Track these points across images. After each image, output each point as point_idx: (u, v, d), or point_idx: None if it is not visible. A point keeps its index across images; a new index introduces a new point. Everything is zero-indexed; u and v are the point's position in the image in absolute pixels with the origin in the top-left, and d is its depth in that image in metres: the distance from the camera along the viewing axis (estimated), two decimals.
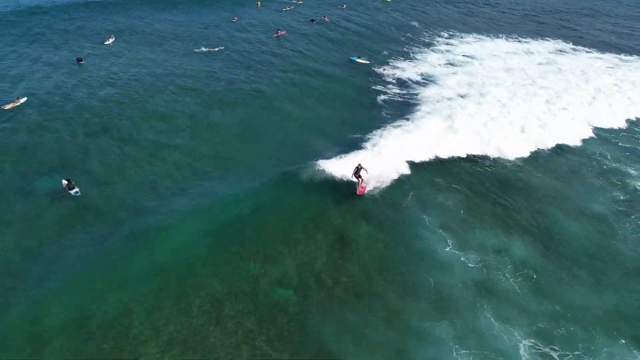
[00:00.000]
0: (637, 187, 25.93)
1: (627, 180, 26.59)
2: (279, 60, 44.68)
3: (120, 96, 34.45)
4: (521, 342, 16.56)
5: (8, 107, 30.63)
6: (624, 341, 16.81)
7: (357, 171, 23.63)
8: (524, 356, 16.06)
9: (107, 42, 47.97)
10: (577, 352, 16.38)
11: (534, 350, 16.32)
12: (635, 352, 16.47)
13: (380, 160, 25.83)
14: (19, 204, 22.47)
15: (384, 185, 24.52)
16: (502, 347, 16.35)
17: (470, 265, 19.91)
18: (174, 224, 21.11)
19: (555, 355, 16.24)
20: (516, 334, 16.85)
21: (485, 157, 28.25)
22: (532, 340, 16.69)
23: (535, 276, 19.50)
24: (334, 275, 19.31)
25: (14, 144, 27.44)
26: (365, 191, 23.93)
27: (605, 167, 28.23)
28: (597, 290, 19.02)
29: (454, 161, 27.47)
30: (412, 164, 26.29)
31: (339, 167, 24.67)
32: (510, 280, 19.25)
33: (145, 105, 33.24)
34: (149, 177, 25.09)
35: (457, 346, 16.26)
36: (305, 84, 39.16)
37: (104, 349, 15.65)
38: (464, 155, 27.90)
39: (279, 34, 52.62)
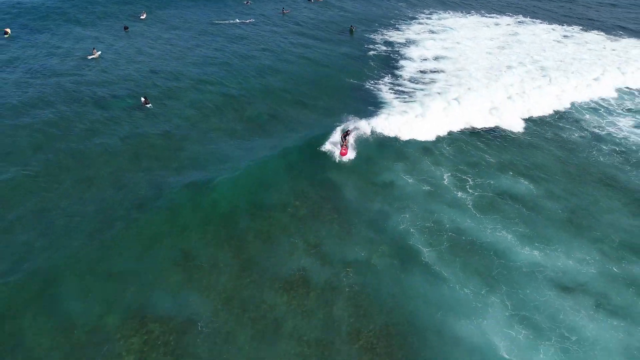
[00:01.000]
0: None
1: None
2: (284, 31, 54.55)
3: (162, 52, 44.53)
4: (446, 174, 26.68)
5: (90, 57, 41.09)
6: (511, 173, 27.03)
7: (346, 135, 27.92)
8: (446, 179, 26.18)
9: (141, 17, 57.74)
10: (482, 179, 26.47)
11: (453, 177, 26.44)
12: (515, 177, 26.70)
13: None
14: (116, 110, 32.69)
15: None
16: (433, 175, 26.49)
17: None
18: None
19: (469, 179, 26.34)
20: (443, 169, 27.00)
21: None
22: (454, 172, 26.83)
23: (463, 147, 29.67)
24: (334, 165, 28.82)
25: (99, 78, 37.57)
26: (347, 153, 27.34)
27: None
28: (498, 155, 29.13)
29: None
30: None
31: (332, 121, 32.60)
32: (447, 148, 29.37)
33: (182, 58, 43.23)
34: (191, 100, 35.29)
35: (404, 174, 26.40)
36: (307, 48, 48.91)
37: None
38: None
39: (284, 12, 62.46)
